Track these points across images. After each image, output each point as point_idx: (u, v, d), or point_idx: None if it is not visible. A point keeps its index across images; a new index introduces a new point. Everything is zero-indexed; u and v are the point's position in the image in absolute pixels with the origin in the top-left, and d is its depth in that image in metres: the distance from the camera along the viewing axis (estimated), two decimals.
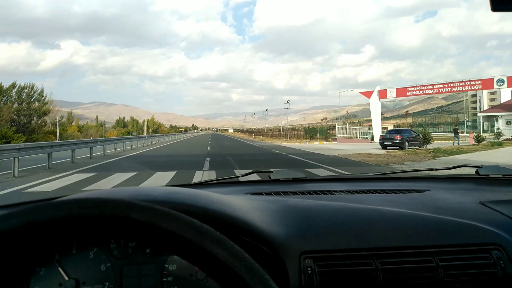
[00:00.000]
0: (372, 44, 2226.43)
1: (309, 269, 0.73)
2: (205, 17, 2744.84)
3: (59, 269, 0.65)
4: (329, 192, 1.22)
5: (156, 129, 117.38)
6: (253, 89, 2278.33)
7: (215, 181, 1.46)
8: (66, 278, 0.64)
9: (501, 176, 1.43)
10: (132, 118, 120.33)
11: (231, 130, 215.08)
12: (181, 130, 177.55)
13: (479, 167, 1.47)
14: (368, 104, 35.35)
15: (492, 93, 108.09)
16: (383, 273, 0.74)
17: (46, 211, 0.45)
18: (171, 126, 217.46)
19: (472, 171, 1.50)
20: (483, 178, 1.45)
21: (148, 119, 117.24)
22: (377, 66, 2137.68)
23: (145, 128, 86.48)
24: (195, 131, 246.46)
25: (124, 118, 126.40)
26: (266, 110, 65.93)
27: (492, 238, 0.83)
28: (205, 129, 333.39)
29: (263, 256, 0.71)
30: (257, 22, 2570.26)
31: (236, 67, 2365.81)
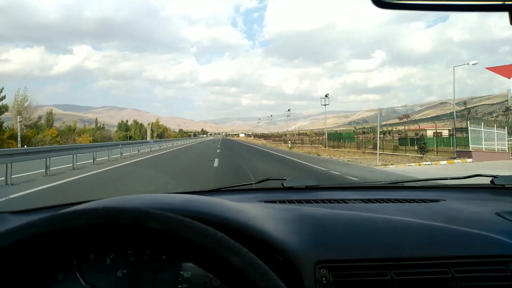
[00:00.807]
0: (383, 50, 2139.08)
1: (324, 279, 0.72)
2: (215, 22, 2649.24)
3: (77, 274, 0.66)
4: (343, 200, 1.22)
5: (161, 133, 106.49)
6: (263, 94, 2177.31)
7: (229, 188, 1.48)
8: (84, 284, 0.65)
9: None
10: (135, 121, 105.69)
11: (242, 135, 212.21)
12: (190, 135, 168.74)
13: (494, 176, 1.46)
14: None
15: None
16: (398, 284, 0.73)
17: (65, 220, 0.47)
18: (180, 131, 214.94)
19: (487, 180, 1.48)
20: (498, 187, 1.43)
21: (152, 123, 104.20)
22: (388, 72, 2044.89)
23: (148, 132, 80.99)
24: (204, 135, 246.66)
25: (127, 121, 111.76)
26: (288, 110, 61.58)
27: (509, 250, 0.81)
28: (215, 134, 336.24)
29: (278, 266, 0.71)
30: (268, 27, 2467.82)
31: (246, 72, 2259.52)
